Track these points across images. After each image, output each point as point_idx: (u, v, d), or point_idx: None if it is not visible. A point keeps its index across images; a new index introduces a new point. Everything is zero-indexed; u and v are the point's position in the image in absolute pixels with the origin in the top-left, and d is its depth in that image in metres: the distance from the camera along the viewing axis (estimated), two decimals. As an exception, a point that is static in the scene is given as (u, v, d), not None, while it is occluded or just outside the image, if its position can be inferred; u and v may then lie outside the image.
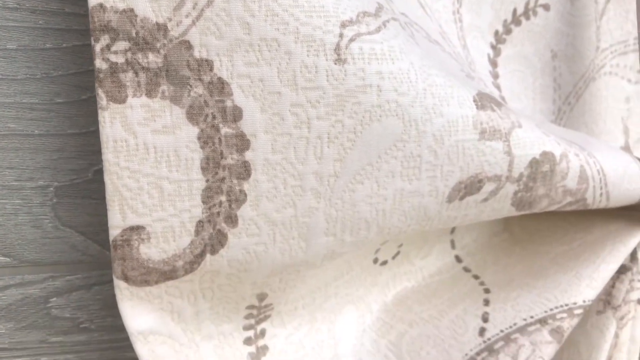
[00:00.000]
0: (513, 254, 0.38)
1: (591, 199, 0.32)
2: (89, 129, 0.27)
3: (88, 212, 0.28)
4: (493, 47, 0.37)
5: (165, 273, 0.25)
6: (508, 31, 0.37)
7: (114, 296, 0.29)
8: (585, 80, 0.41)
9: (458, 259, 0.38)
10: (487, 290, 0.35)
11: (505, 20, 0.37)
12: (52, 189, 0.27)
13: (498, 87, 0.36)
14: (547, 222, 0.40)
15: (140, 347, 0.25)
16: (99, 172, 0.28)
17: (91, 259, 0.28)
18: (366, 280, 0.35)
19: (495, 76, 0.37)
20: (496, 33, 0.37)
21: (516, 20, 0.37)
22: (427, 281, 0.37)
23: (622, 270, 0.35)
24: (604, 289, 0.35)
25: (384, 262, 0.35)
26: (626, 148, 0.43)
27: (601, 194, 0.32)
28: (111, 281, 0.29)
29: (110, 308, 0.29)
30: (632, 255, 0.35)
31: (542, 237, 0.38)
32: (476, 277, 0.37)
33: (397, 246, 0.35)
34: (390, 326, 0.34)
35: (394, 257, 0.35)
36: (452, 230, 0.38)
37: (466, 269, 0.38)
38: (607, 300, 0.35)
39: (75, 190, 0.27)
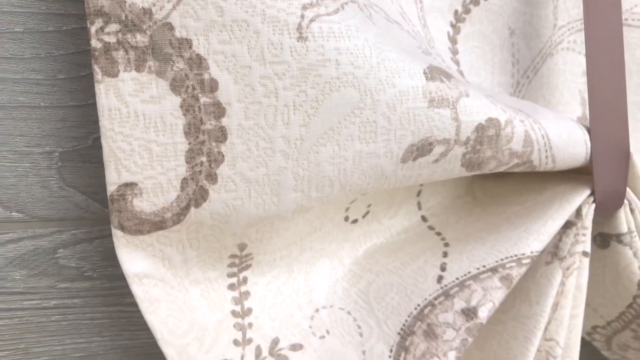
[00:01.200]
0: (473, 214, 0.42)
1: (537, 161, 0.36)
2: (87, 102, 0.31)
3: (89, 175, 0.32)
4: (453, 25, 0.40)
5: (156, 223, 0.29)
6: (467, 11, 0.41)
7: (113, 249, 0.33)
8: (542, 56, 0.44)
9: (424, 218, 0.43)
10: (446, 245, 0.39)
11: (464, 1, 0.40)
12: (57, 154, 0.31)
13: (457, 63, 0.40)
14: (505, 185, 0.44)
15: (136, 288, 0.29)
16: (97, 140, 0.31)
17: (92, 215, 0.32)
18: (338, 237, 0.39)
19: (455, 52, 0.40)
20: (455, 12, 0.40)
21: (475, 1, 0.41)
22: (394, 238, 0.41)
23: (568, 225, 0.39)
24: (551, 242, 0.39)
25: (355, 221, 0.39)
26: (583, 118, 0.47)
27: (547, 157, 0.36)
28: (110, 235, 0.33)
29: (110, 259, 0.33)
30: (577, 212, 0.39)
31: (500, 199, 0.42)
32: (438, 234, 0.41)
33: (367, 206, 0.39)
34: (360, 277, 0.39)
35: (364, 216, 0.39)
36: (418, 193, 0.42)
37: (430, 227, 0.42)
38: (554, 252, 0.39)
39: (77, 156, 0.31)
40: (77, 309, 0.33)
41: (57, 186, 0.31)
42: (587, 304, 0.50)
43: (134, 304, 0.35)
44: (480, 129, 0.32)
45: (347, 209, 0.38)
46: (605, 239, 0.44)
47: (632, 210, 0.42)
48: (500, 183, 0.44)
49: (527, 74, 0.44)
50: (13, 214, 0.30)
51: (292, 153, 0.29)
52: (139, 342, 0.35)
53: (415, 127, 0.30)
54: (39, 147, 0.30)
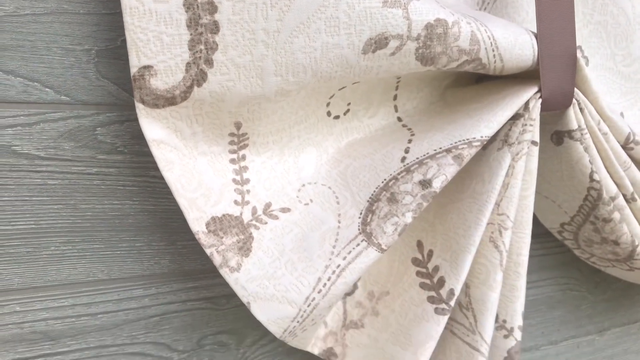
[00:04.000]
0: (442, 114, 0.49)
1: (486, 59, 0.43)
2: (115, 10, 0.40)
3: (119, 69, 0.41)
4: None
5: (168, 99, 0.37)
6: (433, -64, 0.47)
7: (139, 130, 0.42)
8: (507, -23, 0.51)
9: (399, 119, 0.50)
10: (412, 135, 0.47)
11: None
12: (93, 51, 0.40)
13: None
14: (472, 92, 0.51)
15: (155, 150, 0.38)
16: (125, 41, 0.40)
17: (122, 102, 0.41)
18: (323, 130, 0.47)
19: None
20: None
21: None
22: (372, 134, 0.49)
23: (517, 117, 0.46)
24: (503, 132, 0.46)
25: (337, 117, 0.47)
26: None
27: (494, 55, 0.43)
28: (137, 119, 0.42)
29: (137, 138, 0.42)
30: (525, 106, 0.46)
31: (465, 100, 0.49)
32: (410, 129, 0.48)
33: (347, 104, 0.47)
34: (340, 161, 0.47)
35: (344, 114, 0.47)
36: (395, 97, 0.50)
37: (404, 125, 0.49)
38: (505, 139, 0.46)
39: (110, 53, 0.40)
40: (112, 176, 0.42)
41: (94, 77, 0.40)
42: (552, 201, 0.57)
43: (157, 176, 0.44)
44: (429, 27, 0.40)
45: (327, 104, 0.45)
46: (559, 136, 0.50)
47: (581, 110, 0.49)
48: (468, 90, 0.51)
49: (492, -6, 0.51)
50: (62, 97, 0.40)
51: (271, 43, 0.37)
52: (161, 208, 0.44)
53: (372, 23, 0.38)
54: (80, 45, 0.39)
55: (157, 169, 0.43)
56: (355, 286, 0.50)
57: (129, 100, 0.42)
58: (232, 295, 0.49)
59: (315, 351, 0.48)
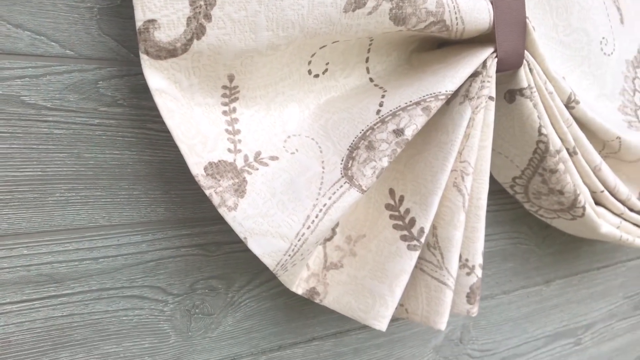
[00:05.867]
0: (409, 74, 0.55)
1: (449, 21, 0.49)
2: (116, -29, 0.43)
3: (119, 27, 0.44)
4: None
5: (170, 51, 0.41)
6: None
7: (138, 84, 0.46)
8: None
9: (371, 79, 0.55)
10: (385, 91, 0.52)
11: None
12: (96, 9, 0.43)
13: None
14: (436, 55, 0.56)
15: (157, 98, 0.42)
16: (124, 1, 0.44)
17: (122, 58, 0.45)
18: (304, 87, 0.51)
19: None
20: None
21: None
22: (348, 93, 0.54)
23: (476, 74, 0.52)
24: (464, 88, 0.52)
25: (317, 75, 0.52)
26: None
27: (456, 18, 0.49)
28: (135, 74, 0.46)
29: (136, 92, 0.46)
30: (483, 64, 0.52)
31: (430, 62, 0.55)
32: (381, 88, 0.53)
33: (325, 64, 0.52)
34: (321, 116, 0.51)
35: (323, 73, 0.52)
36: (367, 60, 0.55)
37: (375, 85, 0.54)
38: (465, 94, 0.52)
39: (111, 11, 0.43)
40: (113, 127, 0.45)
41: (96, 33, 0.43)
42: (505, 156, 0.64)
43: (154, 129, 0.47)
44: (401, -10, 0.45)
45: (309, 62, 0.50)
46: (512, 94, 0.57)
47: (530, 70, 0.55)
48: (432, 53, 0.57)
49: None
50: (67, 51, 0.42)
51: (264, 0, 0.41)
52: (157, 159, 0.48)
53: (352, -16, 0.43)
54: (83, 3, 0.42)
55: (154, 121, 0.47)
56: (334, 232, 0.55)
57: (128, 57, 0.45)
58: (222, 242, 0.53)
59: (299, 291, 0.53)
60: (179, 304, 0.52)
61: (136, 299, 0.49)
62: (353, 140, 0.49)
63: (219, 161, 0.45)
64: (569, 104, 0.60)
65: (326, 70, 0.52)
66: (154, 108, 0.47)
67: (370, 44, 0.53)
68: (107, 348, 0.49)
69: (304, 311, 0.60)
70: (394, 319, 0.68)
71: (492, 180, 0.70)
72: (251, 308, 0.56)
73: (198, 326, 0.53)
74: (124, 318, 0.49)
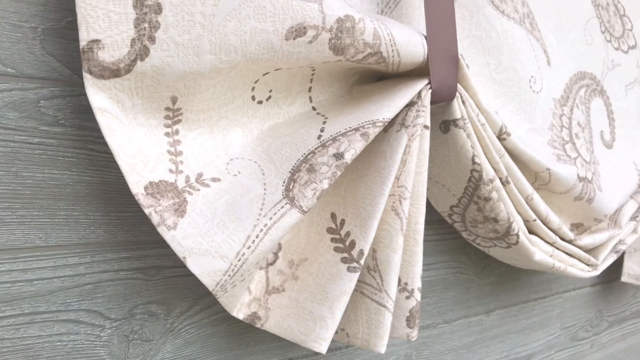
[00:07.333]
0: (350, 104, 0.57)
1: (386, 53, 0.51)
2: (62, -6, 0.44)
3: (63, 48, 0.45)
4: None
5: (114, 71, 0.42)
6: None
7: (81, 105, 0.46)
8: (401, -7, 0.60)
9: (314, 108, 0.57)
10: (326, 119, 0.54)
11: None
12: (40, 29, 0.44)
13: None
14: (374, 86, 0.59)
15: (100, 118, 0.42)
16: (69, 22, 0.44)
17: (65, 78, 0.45)
18: (248, 112, 0.53)
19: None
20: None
21: (346, -54, 0.56)
22: (291, 119, 0.56)
23: (412, 104, 0.55)
24: (400, 117, 0.55)
25: (260, 102, 0.53)
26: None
27: (393, 50, 0.52)
28: (79, 95, 0.46)
29: (79, 112, 0.46)
30: (419, 95, 0.55)
31: (369, 93, 0.58)
32: (323, 115, 0.56)
33: (269, 91, 0.53)
34: (264, 140, 0.53)
35: (267, 99, 0.54)
36: (309, 89, 0.57)
37: (318, 113, 0.56)
38: (402, 123, 0.54)
39: (55, 32, 0.44)
40: (53, 147, 0.45)
41: (40, 53, 0.44)
42: (442, 185, 0.66)
43: (95, 150, 0.47)
44: (340, 21, 0.47)
45: (252, 89, 0.52)
46: (446, 125, 0.60)
47: (463, 102, 0.59)
48: (371, 86, 0.60)
49: (389, 5, 0.60)
50: (8, 69, 0.43)
51: (207, 25, 0.43)
52: (98, 180, 0.48)
53: (293, 13, 0.45)
54: (27, 23, 0.43)
55: (96, 142, 0.47)
56: (276, 256, 0.55)
57: (71, 77, 0.45)
58: (162, 266, 0.53)
59: (240, 316, 0.53)
60: (117, 329, 0.51)
61: (71, 323, 0.48)
62: (295, 163, 0.50)
63: (160, 181, 0.45)
64: (501, 135, 0.64)
65: (270, 97, 0.54)
66: (96, 129, 0.47)
67: (312, 74, 0.55)
68: (38, 375, 0.47)
69: (245, 339, 0.60)
70: (337, 347, 0.68)
71: (432, 210, 0.73)
72: (192, 334, 0.55)
73: (136, 352, 0.52)
74: (57, 343, 0.48)
